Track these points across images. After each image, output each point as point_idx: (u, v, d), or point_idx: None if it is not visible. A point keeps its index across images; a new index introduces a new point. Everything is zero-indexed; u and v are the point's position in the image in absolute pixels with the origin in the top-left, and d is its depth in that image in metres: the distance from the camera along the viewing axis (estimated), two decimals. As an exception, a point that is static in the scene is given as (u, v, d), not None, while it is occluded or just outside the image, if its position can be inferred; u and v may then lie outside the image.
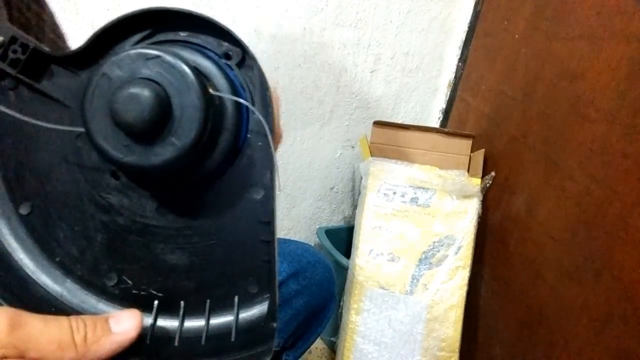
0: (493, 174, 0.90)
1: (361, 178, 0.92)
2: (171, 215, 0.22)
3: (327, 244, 1.01)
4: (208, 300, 0.23)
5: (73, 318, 0.20)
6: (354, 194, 1.15)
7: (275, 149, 0.35)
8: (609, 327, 0.63)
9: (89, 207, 0.22)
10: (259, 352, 0.22)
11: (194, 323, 0.23)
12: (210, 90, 0.20)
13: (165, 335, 0.23)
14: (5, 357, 0.18)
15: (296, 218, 1.11)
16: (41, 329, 0.19)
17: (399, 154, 0.97)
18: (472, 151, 0.97)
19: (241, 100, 0.21)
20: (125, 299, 0.23)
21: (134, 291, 0.22)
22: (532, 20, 0.82)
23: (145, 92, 0.18)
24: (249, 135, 0.22)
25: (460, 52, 1.03)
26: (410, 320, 0.86)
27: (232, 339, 0.23)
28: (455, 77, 1.06)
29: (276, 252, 0.22)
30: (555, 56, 0.76)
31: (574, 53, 0.72)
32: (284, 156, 1.01)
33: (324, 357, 1.07)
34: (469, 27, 1.00)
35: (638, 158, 0.60)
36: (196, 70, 0.20)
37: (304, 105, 0.97)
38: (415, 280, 0.86)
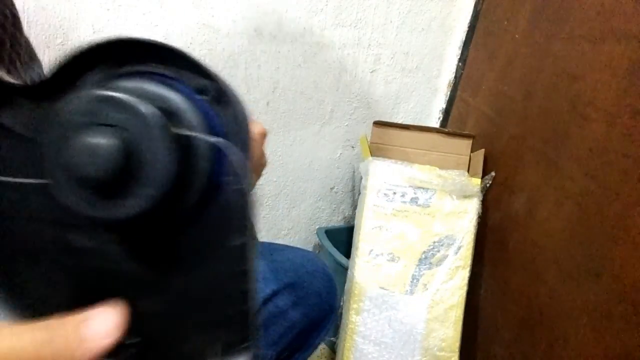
0: (493, 174, 0.90)
1: (361, 178, 0.92)
2: (142, 261, 0.21)
3: (327, 244, 1.01)
4: (183, 354, 0.22)
5: (38, 325, 0.18)
6: (354, 194, 1.15)
7: (253, 185, 0.34)
8: (609, 327, 0.63)
9: (56, 251, 0.21)
10: None
11: None
12: (176, 130, 0.18)
13: None
14: None
15: (296, 218, 1.12)
16: (11, 344, 0.18)
17: (399, 154, 0.97)
18: (472, 151, 0.97)
19: (213, 139, 0.20)
20: None
21: None
22: (532, 20, 0.82)
23: (103, 141, 0.17)
24: (225, 178, 0.21)
25: (460, 52, 1.03)
26: (410, 321, 0.86)
27: None
28: (455, 77, 1.06)
29: (254, 302, 0.21)
30: (555, 56, 0.76)
31: (574, 53, 0.72)
32: (283, 156, 1.01)
33: (324, 357, 1.07)
34: (469, 27, 1.00)
35: (638, 158, 0.60)
36: (160, 109, 0.18)
37: (304, 105, 0.97)
38: (415, 281, 0.86)
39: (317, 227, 1.12)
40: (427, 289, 0.86)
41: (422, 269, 0.86)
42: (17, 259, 0.21)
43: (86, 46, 0.19)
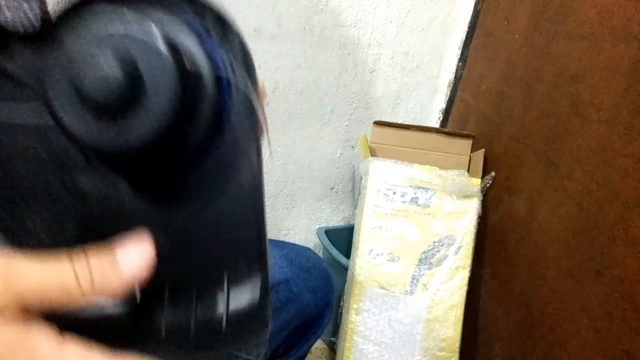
0: (493, 174, 0.90)
1: (361, 178, 0.92)
2: (150, 200, 0.20)
3: (327, 244, 1.01)
4: (195, 288, 0.21)
5: (75, 256, 0.17)
6: (354, 194, 1.15)
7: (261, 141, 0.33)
8: (609, 327, 0.63)
9: (59, 194, 0.20)
10: (252, 345, 0.21)
11: (181, 313, 0.21)
12: (185, 62, 0.18)
13: (150, 327, 0.21)
14: (4, 309, 0.16)
15: (296, 218, 1.11)
16: (39, 274, 0.17)
17: (399, 154, 0.97)
18: (472, 151, 0.97)
19: (220, 71, 0.19)
20: None
21: None
22: (532, 20, 0.82)
23: (111, 66, 0.17)
24: (232, 115, 0.20)
25: (460, 52, 1.03)
26: (410, 321, 0.86)
27: (223, 330, 0.21)
28: (455, 77, 1.06)
29: (265, 232, 0.21)
30: (555, 56, 0.76)
31: (574, 53, 0.72)
32: (283, 156, 1.01)
33: (323, 357, 1.07)
34: (469, 27, 1.00)
35: (638, 158, 0.60)
36: (170, 43, 0.18)
37: (304, 105, 0.97)
38: (415, 281, 0.86)
39: (317, 227, 1.12)
40: (427, 289, 0.86)
41: (422, 269, 0.86)
42: (21, 204, 0.20)
43: None
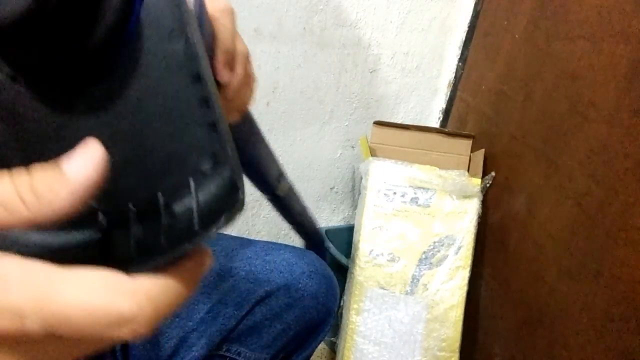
0: (493, 174, 0.90)
1: (361, 178, 0.92)
2: (85, 107, 0.18)
3: (327, 244, 1.01)
4: (159, 193, 0.18)
5: (15, 173, 0.15)
6: (354, 194, 1.15)
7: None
8: (609, 327, 0.63)
9: None
10: (224, 218, 0.17)
11: (149, 226, 0.18)
12: None
13: (119, 249, 0.18)
14: None
15: (296, 218, 1.11)
16: None
17: (399, 154, 0.97)
18: (472, 151, 0.97)
19: None
20: (59, 225, 0.17)
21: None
22: (532, 20, 0.82)
23: None
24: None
25: (460, 52, 1.03)
26: (411, 321, 0.86)
27: (196, 227, 0.18)
28: (455, 77, 1.06)
29: (220, 110, 0.18)
30: (555, 56, 0.76)
31: (574, 53, 0.72)
32: (284, 156, 1.01)
33: (324, 357, 1.07)
34: (469, 27, 1.00)
35: (638, 158, 0.60)
36: None
37: (304, 105, 0.97)
38: (415, 281, 0.86)
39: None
40: (427, 289, 0.86)
41: (422, 269, 0.87)
42: None
43: None
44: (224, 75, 0.29)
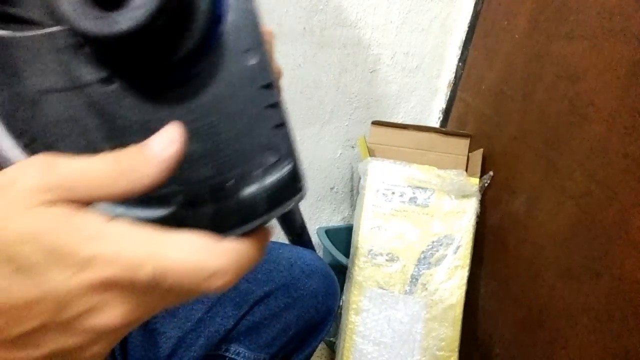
0: (491, 173, 0.90)
1: (360, 178, 0.92)
2: (170, 105, 0.21)
3: (327, 244, 1.01)
4: (232, 179, 0.22)
5: (112, 152, 0.18)
6: (354, 194, 1.15)
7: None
8: (609, 327, 0.63)
9: (89, 121, 0.21)
10: (287, 203, 0.22)
11: (223, 202, 0.22)
12: None
13: (197, 219, 0.21)
14: (52, 202, 0.17)
15: (296, 218, 1.11)
16: (82, 166, 0.17)
17: (397, 154, 0.97)
18: (470, 151, 0.97)
19: None
20: (145, 202, 0.21)
21: (153, 193, 0.21)
22: (532, 20, 0.82)
23: None
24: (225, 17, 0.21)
25: (460, 52, 1.03)
26: (410, 320, 0.86)
27: (261, 209, 0.22)
28: (455, 77, 1.06)
29: (286, 114, 0.22)
30: (555, 56, 0.76)
31: (574, 53, 0.71)
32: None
33: (323, 357, 1.07)
34: (469, 27, 1.00)
35: (638, 158, 0.60)
36: None
37: (304, 105, 0.97)
38: (414, 280, 0.86)
39: (317, 227, 1.12)
40: (426, 288, 0.86)
41: (421, 269, 0.86)
42: (58, 135, 0.20)
43: None
44: None
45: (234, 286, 0.52)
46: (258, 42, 0.21)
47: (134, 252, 0.17)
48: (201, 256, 0.18)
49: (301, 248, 0.60)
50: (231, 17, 0.21)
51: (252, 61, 0.21)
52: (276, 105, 0.22)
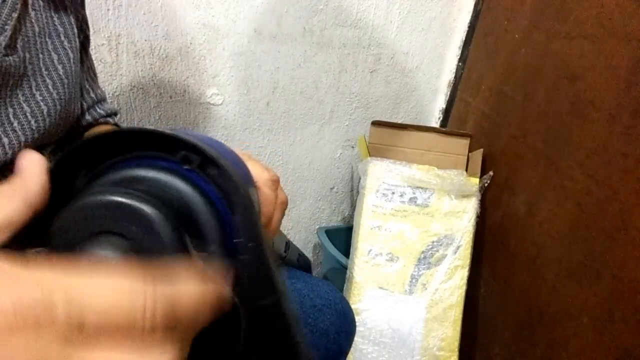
0: (491, 173, 0.90)
1: (359, 178, 0.92)
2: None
3: (327, 244, 1.01)
4: None
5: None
6: (354, 194, 1.15)
7: (274, 230, 0.32)
8: (609, 327, 0.63)
9: None
10: None
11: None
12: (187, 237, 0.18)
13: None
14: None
15: (296, 218, 1.11)
16: (102, 291, 0.14)
17: (397, 154, 0.97)
18: (470, 151, 0.97)
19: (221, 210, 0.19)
20: None
21: None
22: (533, 20, 0.82)
23: (108, 254, 0.16)
24: (237, 240, 0.20)
25: (460, 52, 1.03)
26: (410, 320, 0.86)
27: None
28: (455, 77, 1.05)
29: (305, 351, 0.21)
30: (555, 56, 0.76)
31: (574, 53, 0.71)
32: (284, 156, 1.01)
33: (323, 357, 1.07)
34: (469, 27, 1.00)
35: (638, 158, 0.60)
36: (159, 198, 0.17)
37: (304, 105, 0.97)
38: (414, 280, 0.86)
39: (317, 227, 1.12)
40: (426, 288, 0.86)
41: (421, 269, 0.86)
42: None
43: (65, 153, 0.19)
44: None
45: None
46: (271, 284, 0.20)
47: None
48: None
49: (317, 279, 0.56)
50: (241, 260, 0.20)
51: (266, 302, 0.21)
52: (293, 345, 0.21)
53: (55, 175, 0.19)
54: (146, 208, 0.17)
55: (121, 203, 0.17)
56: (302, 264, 0.57)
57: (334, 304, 0.53)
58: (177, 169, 0.20)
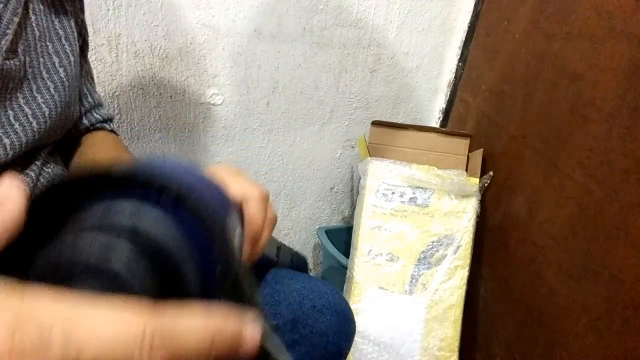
0: (491, 173, 0.90)
1: (359, 178, 0.92)
2: None
3: (327, 244, 1.01)
4: None
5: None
6: (354, 194, 1.15)
7: (258, 251, 0.32)
8: (608, 327, 0.63)
9: None
10: None
11: None
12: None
13: None
14: None
15: (296, 218, 1.11)
16: (103, 328, 0.14)
17: (397, 154, 0.97)
18: (470, 151, 0.97)
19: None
20: None
21: None
22: (532, 20, 0.82)
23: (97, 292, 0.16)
24: (215, 275, 0.20)
25: (460, 52, 1.03)
26: (410, 320, 0.86)
27: None
28: (455, 77, 1.06)
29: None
30: (555, 56, 0.76)
31: (574, 53, 0.71)
32: (284, 156, 1.01)
33: (323, 357, 1.07)
34: (469, 27, 1.00)
35: (638, 158, 0.60)
36: (140, 244, 0.18)
37: (304, 105, 0.97)
38: (414, 280, 0.86)
39: (317, 227, 1.12)
40: (426, 288, 0.86)
41: (421, 269, 0.86)
42: None
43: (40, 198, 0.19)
44: (247, 252, 0.31)
45: None
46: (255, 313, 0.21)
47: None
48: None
49: (316, 279, 0.55)
50: (221, 294, 0.20)
51: None
52: None
53: (39, 206, 0.19)
54: (118, 266, 0.17)
55: (93, 265, 0.17)
56: (297, 264, 0.57)
57: (334, 304, 0.52)
58: (155, 199, 0.20)
